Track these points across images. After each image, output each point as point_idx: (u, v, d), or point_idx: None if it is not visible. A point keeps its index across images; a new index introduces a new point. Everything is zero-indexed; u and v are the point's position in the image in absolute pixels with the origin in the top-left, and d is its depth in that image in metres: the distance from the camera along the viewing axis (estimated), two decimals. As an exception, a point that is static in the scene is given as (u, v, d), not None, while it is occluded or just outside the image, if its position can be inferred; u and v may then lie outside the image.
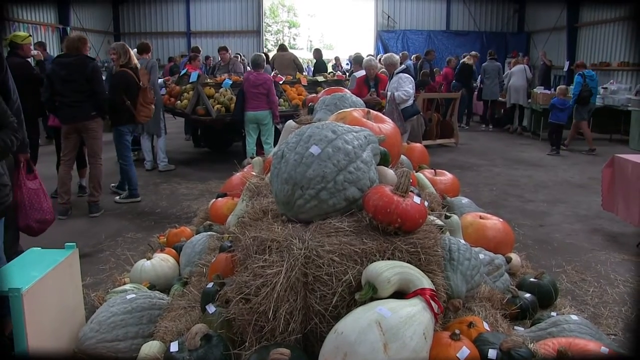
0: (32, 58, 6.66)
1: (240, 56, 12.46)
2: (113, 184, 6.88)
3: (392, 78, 7.51)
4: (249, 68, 10.14)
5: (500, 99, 13.16)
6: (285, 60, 10.65)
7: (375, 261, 2.06)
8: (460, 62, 13.22)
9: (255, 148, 7.68)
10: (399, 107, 7.23)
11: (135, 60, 6.34)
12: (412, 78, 7.50)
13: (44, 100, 6.08)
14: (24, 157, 3.93)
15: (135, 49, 7.50)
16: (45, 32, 14.77)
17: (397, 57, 8.03)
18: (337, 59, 17.95)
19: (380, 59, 9.39)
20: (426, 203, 2.48)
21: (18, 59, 5.93)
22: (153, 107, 6.48)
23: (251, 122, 7.63)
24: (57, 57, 6.14)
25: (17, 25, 13.00)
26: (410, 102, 7.40)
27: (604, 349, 2.24)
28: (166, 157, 8.29)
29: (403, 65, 7.89)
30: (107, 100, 5.88)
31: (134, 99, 6.14)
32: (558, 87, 10.31)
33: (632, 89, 12.05)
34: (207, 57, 13.78)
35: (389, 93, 7.25)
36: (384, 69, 7.99)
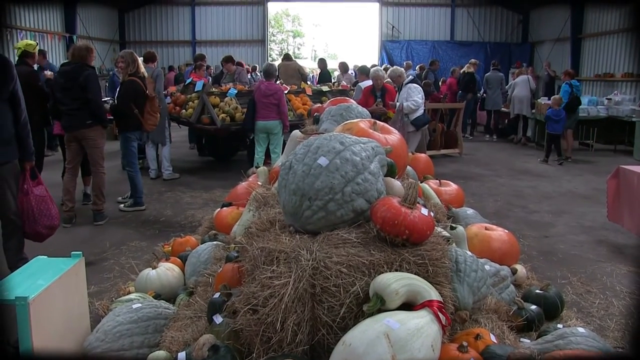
0: (39, 67, 6.71)
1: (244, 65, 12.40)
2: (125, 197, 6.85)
3: (401, 89, 7.55)
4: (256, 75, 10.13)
5: (503, 109, 13.18)
6: (290, 69, 10.69)
7: (383, 273, 2.06)
8: (461, 72, 13.26)
9: (263, 157, 7.70)
10: (410, 117, 7.26)
11: (143, 69, 6.38)
12: (420, 88, 7.54)
13: (49, 108, 6.14)
14: (29, 165, 3.97)
15: (142, 58, 7.54)
16: (52, 40, 14.89)
17: (401, 69, 8.10)
18: (343, 67, 17.96)
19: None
20: (432, 214, 2.48)
21: (26, 67, 5.98)
22: (159, 115, 6.52)
23: (261, 132, 7.64)
24: (61, 66, 6.20)
25: (24, 33, 13.10)
26: (421, 111, 7.43)
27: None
28: (171, 166, 8.31)
29: (411, 76, 7.94)
30: (103, 107, 5.89)
31: (142, 107, 6.17)
32: (552, 98, 10.25)
33: (636, 100, 12.07)
34: (207, 67, 13.65)
35: (398, 103, 7.30)
36: (388, 80, 8.03)
